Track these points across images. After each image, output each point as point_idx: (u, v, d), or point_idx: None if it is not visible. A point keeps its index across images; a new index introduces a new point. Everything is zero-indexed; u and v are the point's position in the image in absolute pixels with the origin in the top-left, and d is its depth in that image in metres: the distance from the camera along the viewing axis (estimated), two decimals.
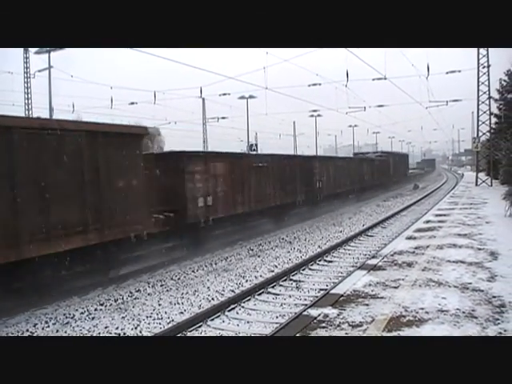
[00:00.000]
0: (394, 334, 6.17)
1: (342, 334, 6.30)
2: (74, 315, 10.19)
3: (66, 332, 9.22)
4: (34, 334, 9.17)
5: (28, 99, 41.57)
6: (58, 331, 9.29)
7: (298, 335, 6.36)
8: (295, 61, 48.73)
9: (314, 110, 64.30)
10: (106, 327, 9.37)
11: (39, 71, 37.39)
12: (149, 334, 8.80)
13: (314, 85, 39.98)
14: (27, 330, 9.37)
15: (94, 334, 9.03)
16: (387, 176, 50.34)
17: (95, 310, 10.59)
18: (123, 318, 9.95)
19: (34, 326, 9.61)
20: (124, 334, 9.00)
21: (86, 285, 12.03)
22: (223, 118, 57.38)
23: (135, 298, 11.45)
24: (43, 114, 44.33)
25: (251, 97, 47.61)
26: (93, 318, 9.99)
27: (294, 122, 78.17)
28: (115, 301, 11.25)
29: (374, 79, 36.10)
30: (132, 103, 45.03)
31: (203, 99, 55.09)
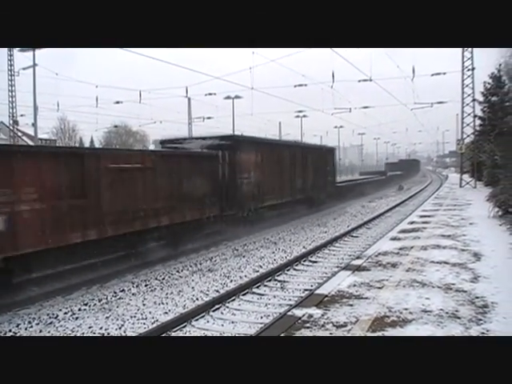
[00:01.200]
0: (379, 334, 6.20)
1: (326, 334, 6.31)
2: (57, 315, 10.12)
3: (49, 332, 9.16)
4: (17, 335, 9.10)
5: (12, 97, 41.31)
6: (41, 331, 9.22)
7: (282, 335, 6.36)
8: (281, 61, 49.02)
9: (300, 111, 64.52)
10: (89, 327, 9.32)
11: (23, 69, 37.20)
12: (133, 334, 8.76)
13: (300, 85, 40.23)
14: (10, 331, 9.29)
15: (78, 334, 8.97)
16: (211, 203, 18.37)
17: (79, 309, 10.52)
18: (107, 318, 9.90)
19: (17, 326, 9.53)
20: (108, 334, 8.96)
21: (70, 285, 11.97)
22: (209, 117, 57.38)
23: (119, 298, 11.39)
24: (27, 112, 44.13)
25: (237, 97, 47.64)
26: (76, 318, 9.93)
27: (279, 123, 78.30)
28: (99, 301, 11.18)
29: (359, 81, 36.40)
30: (117, 102, 44.94)
31: (189, 99, 54.97)
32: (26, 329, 9.39)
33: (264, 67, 35.90)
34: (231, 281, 12.79)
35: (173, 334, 8.66)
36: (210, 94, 46.34)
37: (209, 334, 8.78)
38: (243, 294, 11.19)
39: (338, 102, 52.02)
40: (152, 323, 9.43)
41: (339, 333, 6.32)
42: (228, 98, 48.15)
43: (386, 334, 6.20)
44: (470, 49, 37.07)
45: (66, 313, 10.29)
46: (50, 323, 9.66)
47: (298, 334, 6.38)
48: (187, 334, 8.76)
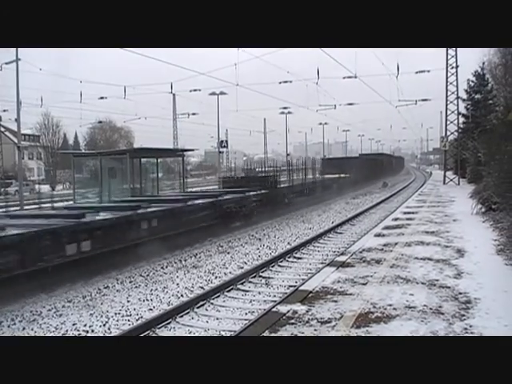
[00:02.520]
0: (363, 329, 6.24)
1: (311, 330, 6.34)
2: (41, 312, 10.05)
3: (32, 329, 9.09)
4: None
5: None
6: (24, 329, 9.15)
7: (267, 335, 6.38)
8: (266, 58, 48.77)
9: (285, 108, 64.63)
10: (73, 324, 9.27)
11: (6, 63, 36.78)
12: (117, 332, 8.72)
13: (285, 82, 40.25)
14: None
15: (62, 332, 8.91)
16: None
17: (63, 306, 10.46)
18: (91, 314, 9.85)
19: (0, 323, 9.46)
20: (92, 331, 8.91)
21: (54, 281, 11.88)
22: (194, 114, 57.39)
23: (104, 295, 11.34)
24: (11, 108, 43.75)
25: (222, 93, 47.58)
26: (60, 315, 9.87)
27: (264, 119, 78.46)
28: (83, 297, 11.12)
29: (344, 77, 36.55)
30: (102, 98, 44.71)
31: (174, 95, 54.93)
32: (8, 326, 9.32)
33: (249, 64, 35.90)
34: (216, 277, 12.78)
35: (157, 331, 8.64)
36: (195, 90, 46.21)
37: (193, 330, 8.76)
38: (228, 291, 11.19)
39: (323, 98, 52.30)
40: (136, 320, 9.40)
41: (324, 329, 6.35)
42: (213, 94, 48.07)
43: (371, 329, 6.24)
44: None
45: (49, 310, 10.22)
46: (34, 320, 9.59)
47: (282, 330, 6.40)
48: (172, 331, 8.75)
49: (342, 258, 11.09)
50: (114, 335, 8.54)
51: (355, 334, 6.10)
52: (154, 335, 8.44)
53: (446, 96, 38.80)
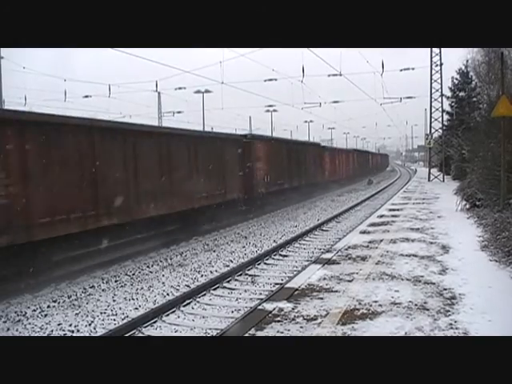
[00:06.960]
0: (349, 326, 6.25)
1: (296, 327, 6.35)
2: (25, 313, 9.96)
3: (17, 330, 9.02)
4: None
5: None
6: (8, 329, 9.07)
7: (253, 332, 6.38)
8: (251, 56, 48.77)
9: (270, 105, 64.56)
10: (59, 324, 9.20)
11: None
12: (103, 331, 8.67)
13: (270, 80, 40.17)
14: None
15: (47, 332, 8.85)
16: None
17: (48, 306, 10.37)
18: (77, 314, 9.78)
19: None
20: (78, 330, 8.86)
21: (38, 282, 11.80)
22: (179, 112, 57.10)
23: (89, 295, 11.27)
24: None
25: (207, 91, 47.43)
26: (45, 315, 9.79)
27: (249, 117, 78.35)
28: (68, 297, 11.05)
29: (329, 75, 36.52)
30: (86, 96, 44.33)
31: (159, 93, 54.67)
32: None
33: (234, 62, 35.81)
34: (202, 275, 12.76)
35: (143, 330, 8.61)
36: (180, 88, 46.01)
37: (180, 329, 8.76)
38: (214, 289, 11.17)
39: (308, 96, 52.34)
40: (122, 319, 9.36)
41: (309, 326, 6.36)
42: (198, 92, 47.88)
43: (356, 326, 6.26)
44: None
45: (34, 310, 10.14)
46: (19, 321, 9.50)
47: (268, 327, 6.40)
48: (158, 330, 8.73)
49: (328, 256, 11.12)
50: (101, 335, 8.50)
51: (341, 331, 6.12)
52: (140, 335, 8.42)
53: (431, 93, 39.11)
